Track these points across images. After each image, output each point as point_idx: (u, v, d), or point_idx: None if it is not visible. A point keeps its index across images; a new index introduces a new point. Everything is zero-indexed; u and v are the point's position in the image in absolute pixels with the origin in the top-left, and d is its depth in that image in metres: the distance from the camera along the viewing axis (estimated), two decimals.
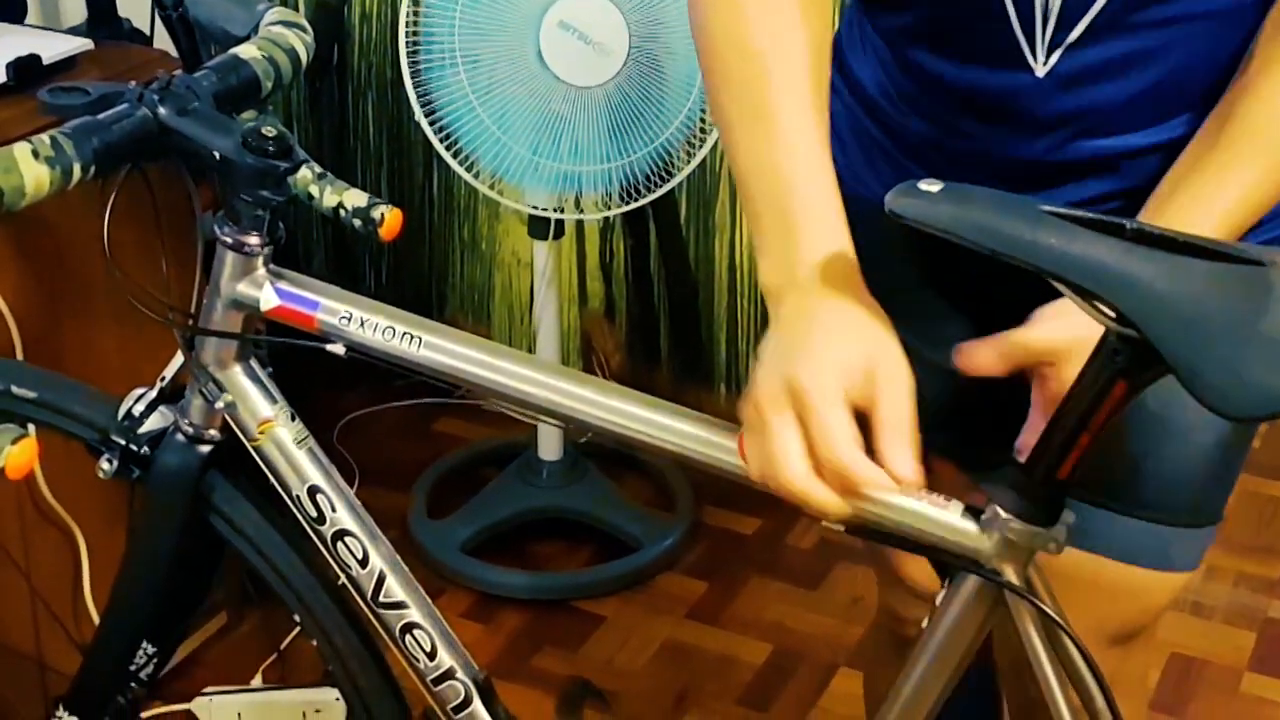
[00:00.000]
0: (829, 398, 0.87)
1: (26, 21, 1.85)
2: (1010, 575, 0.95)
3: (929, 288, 1.12)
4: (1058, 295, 0.86)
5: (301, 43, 1.16)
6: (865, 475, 0.87)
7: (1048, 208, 0.85)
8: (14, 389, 1.17)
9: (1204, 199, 0.96)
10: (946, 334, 1.03)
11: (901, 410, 0.88)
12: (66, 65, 1.61)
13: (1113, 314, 0.84)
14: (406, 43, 1.93)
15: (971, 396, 1.05)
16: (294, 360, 1.11)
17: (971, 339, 0.99)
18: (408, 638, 1.14)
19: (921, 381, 0.93)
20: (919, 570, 1.22)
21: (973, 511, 0.95)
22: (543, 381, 1.02)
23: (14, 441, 0.95)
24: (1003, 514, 0.94)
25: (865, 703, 1.46)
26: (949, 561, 0.97)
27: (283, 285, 1.06)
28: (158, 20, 2.05)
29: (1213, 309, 0.81)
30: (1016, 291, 0.94)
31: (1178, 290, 0.82)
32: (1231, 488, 1.12)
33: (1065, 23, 0.97)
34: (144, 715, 1.32)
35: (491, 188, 2.03)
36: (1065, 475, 0.92)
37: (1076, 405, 0.89)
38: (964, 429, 1.10)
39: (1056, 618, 0.95)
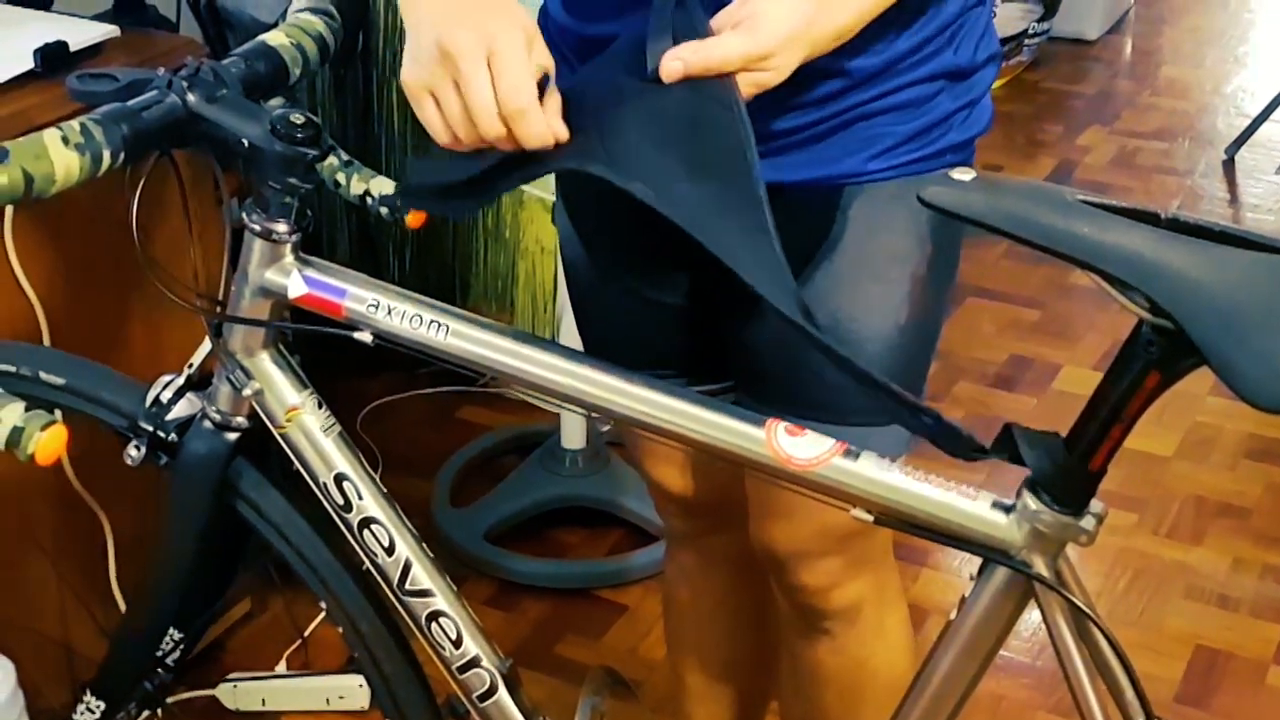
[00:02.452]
0: (475, 54, 0.92)
1: (54, 8, 1.85)
2: (1040, 567, 0.94)
3: (648, 230, 1.13)
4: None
5: (329, 30, 1.16)
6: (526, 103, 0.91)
7: (1080, 196, 0.85)
8: (42, 375, 1.17)
9: None
10: (669, 275, 1.18)
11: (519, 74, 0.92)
12: (93, 52, 1.61)
13: (1147, 304, 0.83)
14: None
15: (695, 334, 1.22)
16: (317, 347, 1.11)
17: (690, 279, 1.12)
18: (433, 625, 1.14)
19: (647, 320, 1.06)
20: (670, 474, 1.34)
21: (1002, 503, 0.95)
22: (570, 370, 1.02)
23: (43, 428, 0.95)
24: (1032, 505, 0.93)
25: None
26: (979, 554, 0.97)
27: (310, 273, 1.06)
28: (183, 6, 2.05)
29: (1249, 300, 0.81)
30: None
31: (1213, 281, 0.81)
32: (922, 381, 1.22)
33: None
34: (169, 700, 1.33)
35: None
36: (1097, 466, 0.91)
37: (1109, 396, 0.89)
38: (687, 367, 1.23)
39: (1087, 610, 0.94)
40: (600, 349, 1.29)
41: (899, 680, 1.38)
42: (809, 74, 1.02)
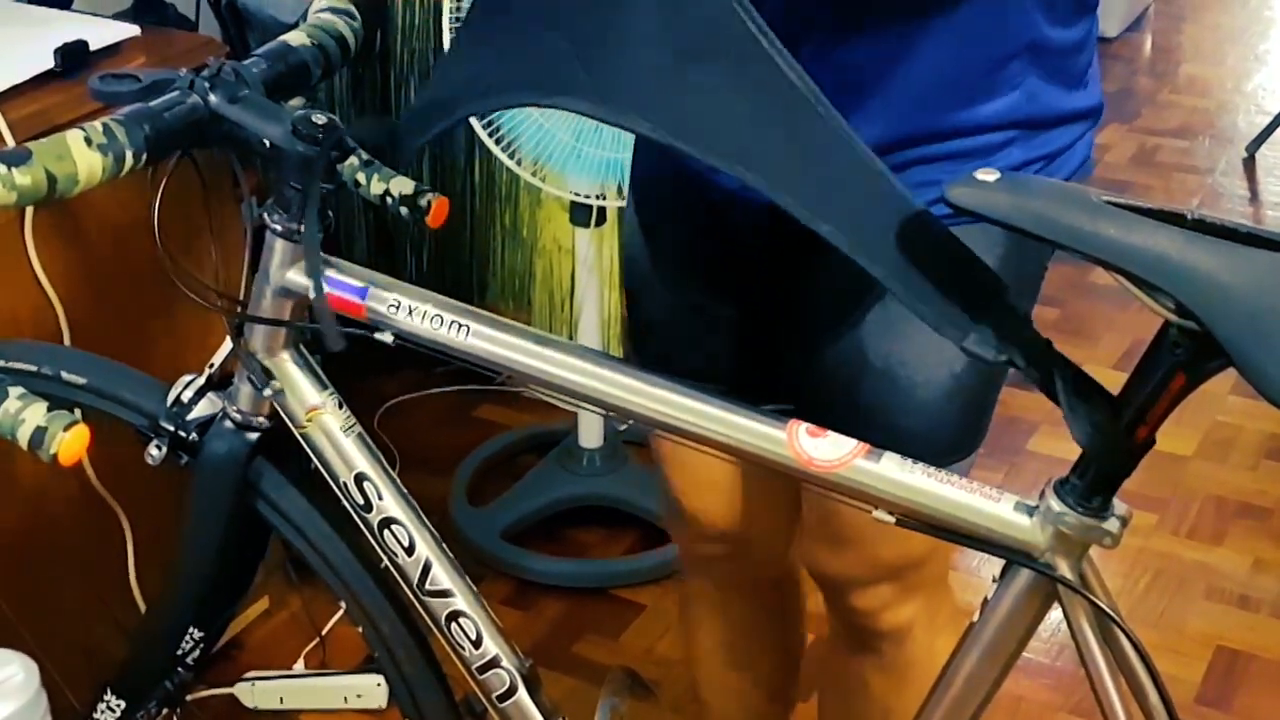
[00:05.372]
0: None
1: (74, 7, 1.86)
2: (1063, 569, 0.94)
3: (718, 235, 1.13)
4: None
5: (350, 30, 1.15)
6: None
7: (1106, 197, 0.84)
8: (64, 375, 1.18)
9: None
10: (731, 285, 1.16)
11: None
12: (113, 51, 1.61)
13: (1173, 306, 0.82)
14: (449, 28, 1.92)
15: (749, 351, 1.21)
16: None
17: (753, 293, 1.10)
18: (453, 625, 1.14)
19: (701, 329, 1.09)
20: (704, 503, 1.33)
21: (1025, 505, 0.95)
22: (591, 371, 1.02)
23: (66, 429, 0.95)
24: (1056, 507, 0.93)
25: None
26: (1002, 556, 0.96)
27: (331, 273, 1.06)
28: (203, 6, 2.06)
29: (1276, 301, 0.80)
30: (793, 241, 0.97)
31: (1240, 282, 0.80)
32: (980, 426, 1.19)
33: None
34: (188, 699, 1.33)
35: (533, 174, 2.02)
36: None
37: (1134, 398, 0.88)
38: (739, 384, 1.14)
39: (1111, 613, 0.94)
40: (648, 351, 1.27)
41: None
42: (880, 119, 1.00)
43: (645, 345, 1.29)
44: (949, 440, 1.15)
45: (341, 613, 1.22)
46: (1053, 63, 1.06)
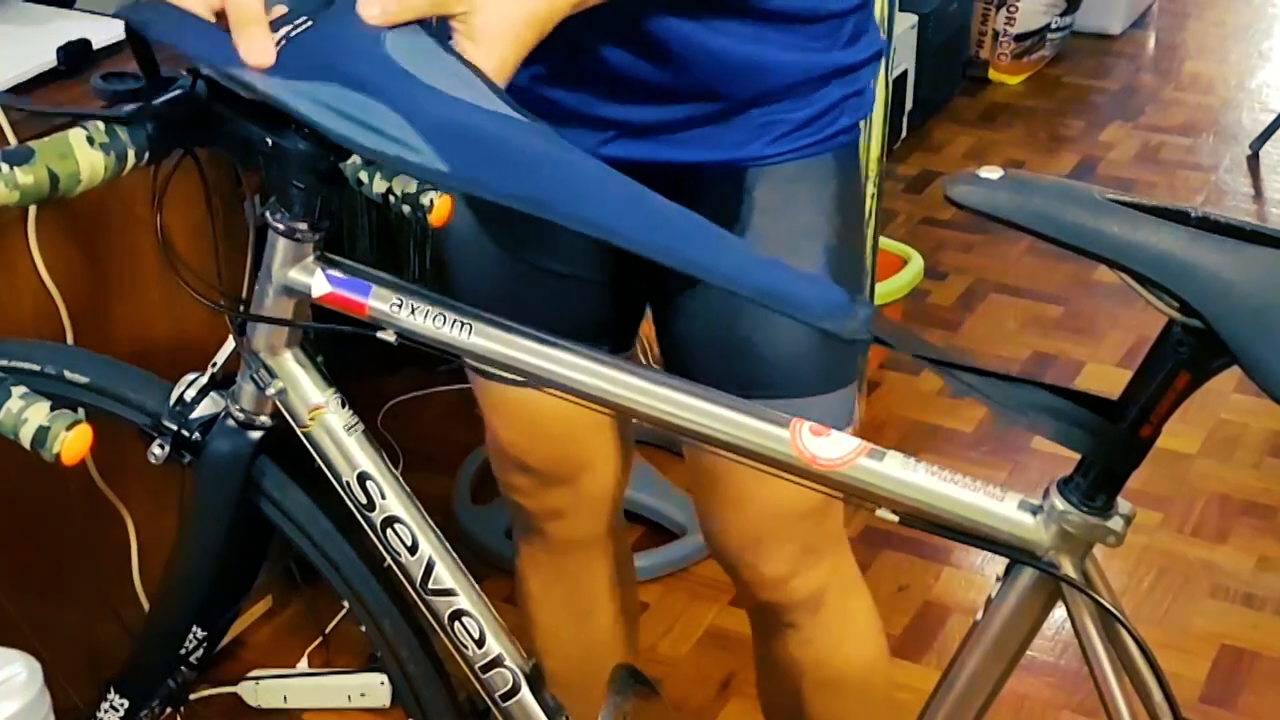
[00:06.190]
0: None
1: (76, 6, 1.86)
2: (1067, 568, 0.94)
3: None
4: None
5: None
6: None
7: (1110, 195, 0.84)
8: (67, 373, 1.17)
9: None
10: (573, 245, 1.19)
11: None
12: (115, 49, 1.61)
13: (1177, 304, 0.82)
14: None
15: (618, 306, 1.28)
16: (337, 344, 1.11)
17: (597, 247, 1.10)
18: (456, 625, 1.14)
19: (560, 297, 1.16)
20: (534, 449, 1.36)
21: (1029, 504, 0.94)
22: (594, 370, 1.01)
23: (69, 428, 0.95)
24: (1060, 506, 0.93)
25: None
26: (1006, 555, 0.96)
27: (334, 272, 1.06)
28: None
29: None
30: None
31: (1245, 280, 0.80)
32: (855, 351, 1.29)
33: None
34: (191, 697, 1.33)
35: None
36: None
37: (1138, 397, 0.88)
38: (618, 341, 1.29)
39: (1115, 612, 0.93)
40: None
41: (872, 664, 1.41)
42: (712, 69, 1.10)
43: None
44: (841, 360, 1.23)
45: (345, 612, 1.21)
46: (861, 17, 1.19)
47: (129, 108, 0.99)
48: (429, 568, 1.13)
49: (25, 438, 0.96)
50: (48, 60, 1.54)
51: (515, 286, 1.27)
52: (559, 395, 1.02)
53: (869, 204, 2.26)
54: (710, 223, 0.89)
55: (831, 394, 1.22)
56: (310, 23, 0.96)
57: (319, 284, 1.06)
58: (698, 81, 1.14)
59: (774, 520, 1.27)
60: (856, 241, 1.26)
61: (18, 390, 0.95)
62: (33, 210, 1.49)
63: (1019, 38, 3.92)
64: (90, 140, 0.96)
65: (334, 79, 0.93)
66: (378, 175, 1.16)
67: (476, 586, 1.15)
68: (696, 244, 0.90)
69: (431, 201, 1.14)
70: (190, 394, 1.15)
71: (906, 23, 3.38)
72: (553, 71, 1.15)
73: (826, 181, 1.20)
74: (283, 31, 0.95)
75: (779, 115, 1.17)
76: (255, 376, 1.10)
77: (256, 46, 0.93)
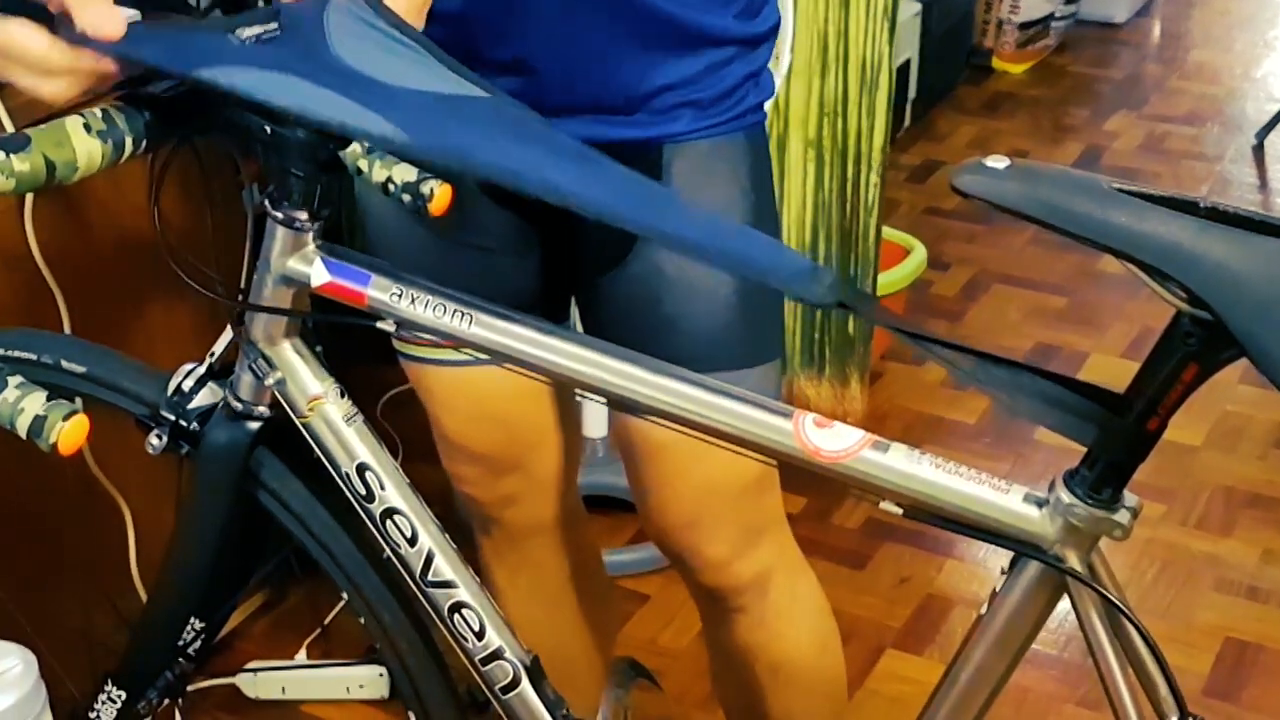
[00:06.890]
0: None
1: None
2: (1073, 561, 0.93)
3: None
4: None
5: None
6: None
7: (1117, 185, 0.83)
8: (64, 363, 1.17)
9: None
10: (496, 219, 1.24)
11: None
12: None
13: (1184, 295, 0.81)
14: None
15: (546, 278, 1.29)
16: (337, 334, 1.10)
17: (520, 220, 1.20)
18: (456, 617, 1.13)
19: (487, 273, 1.19)
20: (460, 422, 1.35)
21: (1035, 497, 0.94)
22: (594, 360, 1.00)
23: (66, 418, 0.94)
24: (1065, 499, 0.92)
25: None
26: (1012, 548, 0.95)
27: (333, 261, 1.05)
28: None
29: None
30: None
31: (1254, 271, 0.79)
32: (780, 323, 1.30)
33: None
34: (189, 689, 1.32)
35: None
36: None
37: (1145, 389, 0.87)
38: (552, 310, 1.31)
39: (1121, 605, 0.93)
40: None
41: (823, 645, 1.42)
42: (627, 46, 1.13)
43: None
44: (764, 334, 1.26)
45: (343, 603, 1.21)
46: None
47: (127, 94, 0.98)
48: (429, 559, 1.12)
49: (22, 427, 0.95)
50: None
51: (438, 260, 1.27)
52: (571, 390, 1.02)
53: (872, 193, 2.25)
54: (673, 190, 0.89)
55: (753, 369, 1.23)
56: (279, 31, 0.96)
57: (318, 273, 1.05)
58: (601, 90, 1.17)
59: (710, 497, 1.27)
60: (772, 225, 1.28)
61: (14, 380, 0.95)
62: (30, 198, 1.48)
63: (1023, 26, 3.91)
64: (87, 128, 0.95)
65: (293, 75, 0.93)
66: (377, 164, 1.15)
67: (477, 578, 1.15)
68: (660, 211, 0.91)
69: (432, 190, 1.13)
70: (188, 384, 1.14)
71: (910, 11, 3.36)
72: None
73: (741, 159, 1.23)
74: (255, 30, 0.95)
75: (688, 96, 1.19)
76: (254, 366, 1.09)
77: (100, 19, 0.93)
